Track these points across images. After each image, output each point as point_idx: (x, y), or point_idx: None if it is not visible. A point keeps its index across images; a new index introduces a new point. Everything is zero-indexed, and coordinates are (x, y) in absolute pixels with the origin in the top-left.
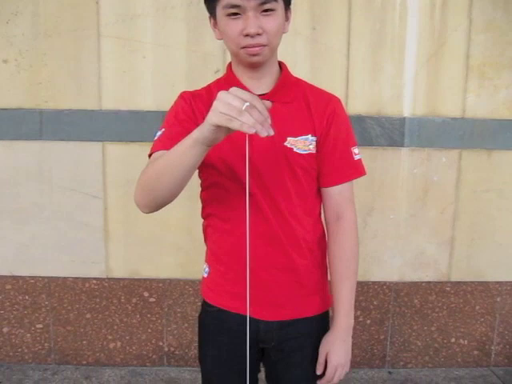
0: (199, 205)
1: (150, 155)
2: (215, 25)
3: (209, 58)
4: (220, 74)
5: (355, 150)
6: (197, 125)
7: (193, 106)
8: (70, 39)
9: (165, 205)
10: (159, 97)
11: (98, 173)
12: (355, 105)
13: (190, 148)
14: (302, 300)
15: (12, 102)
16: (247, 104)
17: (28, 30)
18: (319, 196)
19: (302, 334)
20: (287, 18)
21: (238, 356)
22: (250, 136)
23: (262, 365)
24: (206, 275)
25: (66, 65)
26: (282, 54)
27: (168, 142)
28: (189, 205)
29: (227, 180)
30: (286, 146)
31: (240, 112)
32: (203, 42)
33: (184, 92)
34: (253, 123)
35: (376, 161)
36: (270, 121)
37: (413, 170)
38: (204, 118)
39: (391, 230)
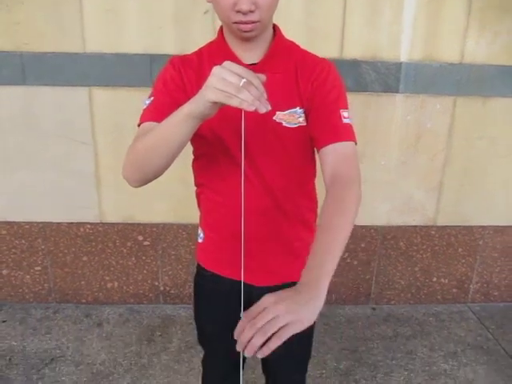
0: (191, 151)
1: (139, 125)
2: None
3: None
4: (209, 16)
5: (344, 114)
6: (185, 93)
7: (182, 74)
8: None
9: (155, 178)
10: (146, 39)
11: (85, 118)
12: (351, 49)
13: (182, 122)
14: (293, 265)
15: None
16: (244, 80)
17: None
18: (313, 168)
19: None
20: None
21: (232, 315)
22: (239, 110)
23: None
24: (200, 240)
25: (45, 3)
26: None
27: (156, 113)
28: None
29: (217, 152)
30: (275, 121)
31: (238, 89)
32: None
33: (174, 57)
34: (252, 100)
35: (370, 107)
36: (266, 95)
37: (406, 117)
38: (194, 86)
39: (381, 176)
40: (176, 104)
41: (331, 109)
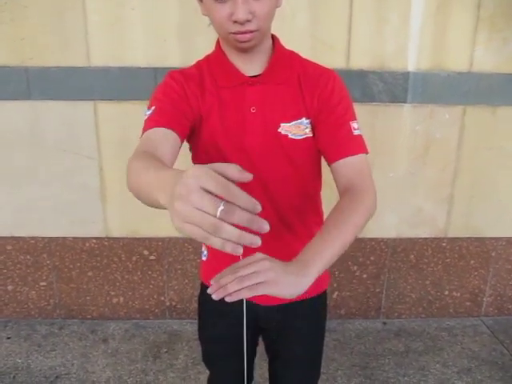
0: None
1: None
2: None
3: None
4: (213, 28)
5: (354, 125)
6: (189, 105)
7: (184, 86)
8: None
9: None
10: (150, 52)
11: (90, 133)
12: (357, 59)
13: (158, 203)
14: None
15: None
16: (221, 208)
17: None
18: (320, 181)
19: (300, 314)
20: None
21: (236, 335)
22: (243, 125)
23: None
24: (204, 258)
25: (49, 18)
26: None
27: (160, 120)
28: (186, 163)
29: None
30: (280, 133)
31: (215, 224)
32: None
33: (173, 71)
34: (237, 237)
35: (377, 117)
36: (258, 207)
37: (414, 127)
38: (200, 101)
39: (390, 187)
40: (179, 112)
41: (340, 122)
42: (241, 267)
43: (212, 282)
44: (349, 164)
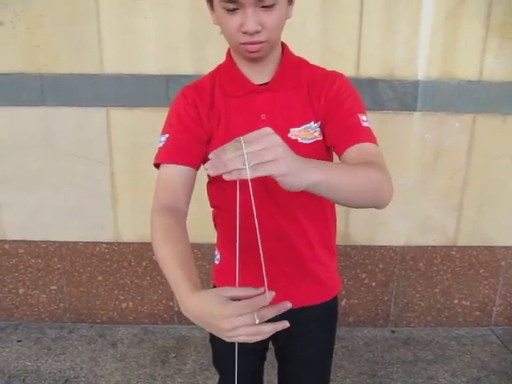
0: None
1: (155, 165)
2: (212, 8)
3: None
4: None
5: (363, 117)
6: (202, 127)
7: (198, 106)
8: None
9: None
10: (162, 60)
11: (102, 139)
12: (367, 67)
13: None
14: (310, 289)
15: (10, 67)
16: (257, 319)
17: None
18: None
19: (311, 319)
20: (291, 2)
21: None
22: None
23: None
24: (217, 262)
25: (64, 26)
26: None
27: (175, 152)
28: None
29: (227, 181)
30: (290, 139)
31: (258, 331)
32: None
33: (185, 88)
34: (272, 328)
35: (387, 125)
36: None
37: (424, 136)
38: (209, 117)
39: (399, 195)
40: (194, 139)
41: (348, 114)
42: (248, 141)
43: (210, 155)
44: (360, 149)
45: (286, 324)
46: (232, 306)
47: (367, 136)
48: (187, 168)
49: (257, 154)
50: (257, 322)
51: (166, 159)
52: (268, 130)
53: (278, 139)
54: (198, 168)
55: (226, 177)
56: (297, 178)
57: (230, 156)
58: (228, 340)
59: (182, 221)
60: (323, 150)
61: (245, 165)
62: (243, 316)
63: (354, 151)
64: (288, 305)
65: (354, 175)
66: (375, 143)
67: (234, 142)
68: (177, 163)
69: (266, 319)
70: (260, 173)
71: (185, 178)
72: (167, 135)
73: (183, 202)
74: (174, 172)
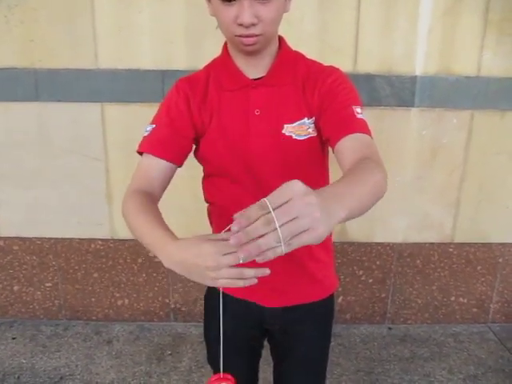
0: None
1: (138, 152)
2: None
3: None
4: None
5: (357, 110)
6: (192, 122)
7: (189, 99)
8: None
9: None
10: (158, 55)
11: (97, 134)
12: (364, 63)
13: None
14: (306, 286)
15: (4, 62)
16: (241, 257)
17: None
18: (327, 182)
19: (306, 317)
20: None
21: (240, 336)
22: (247, 127)
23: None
24: None
25: (58, 21)
26: None
27: (157, 146)
28: (192, 166)
29: (225, 175)
30: (284, 135)
31: (241, 272)
32: None
33: (180, 81)
34: (255, 272)
35: (384, 121)
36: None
37: (422, 132)
38: (200, 111)
39: (397, 191)
40: (179, 134)
41: (343, 106)
42: (276, 205)
43: (233, 227)
44: (355, 139)
45: (266, 271)
46: (220, 244)
47: (362, 127)
48: (166, 163)
49: (291, 227)
50: (240, 261)
51: (148, 149)
52: (297, 187)
53: (311, 199)
54: (180, 163)
55: (258, 259)
56: (328, 231)
57: (259, 231)
58: (211, 284)
59: (155, 201)
60: (317, 147)
61: (279, 242)
62: (227, 255)
63: (348, 140)
64: (267, 271)
65: (364, 186)
66: (369, 135)
67: (258, 207)
68: (157, 156)
69: (250, 260)
70: (296, 246)
71: (163, 173)
72: (154, 126)
73: (157, 192)
74: (153, 164)
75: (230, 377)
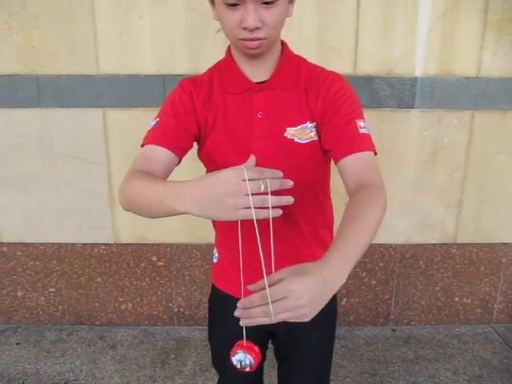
0: (203, 168)
1: (142, 145)
2: (213, 3)
3: (210, 16)
4: (221, 35)
5: (360, 123)
6: (195, 116)
7: (194, 98)
8: None
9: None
10: (159, 59)
11: (99, 139)
12: (364, 64)
13: (161, 208)
14: None
15: (6, 68)
16: (262, 186)
17: None
18: (327, 184)
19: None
20: (291, 0)
21: (245, 337)
22: (250, 130)
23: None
24: (215, 260)
25: (59, 27)
26: None
27: (160, 136)
28: (194, 168)
29: None
30: (286, 138)
31: (262, 198)
32: None
33: (183, 80)
34: (278, 200)
35: (384, 123)
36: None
37: (422, 133)
38: (206, 107)
39: (398, 192)
40: (182, 126)
41: (346, 120)
42: (271, 290)
43: (239, 304)
44: (357, 160)
45: (290, 199)
46: (239, 168)
47: (364, 144)
48: (168, 151)
49: (279, 306)
50: (262, 188)
51: (151, 141)
52: (294, 286)
53: (303, 302)
54: (179, 156)
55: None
56: (327, 298)
57: (257, 311)
58: (232, 217)
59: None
60: (319, 151)
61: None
62: (250, 182)
63: (350, 161)
64: (290, 183)
65: (366, 232)
66: (372, 150)
67: (258, 296)
68: (159, 145)
69: (271, 189)
70: (279, 319)
71: (163, 159)
72: (157, 119)
73: (159, 177)
74: (156, 151)
75: (256, 348)
